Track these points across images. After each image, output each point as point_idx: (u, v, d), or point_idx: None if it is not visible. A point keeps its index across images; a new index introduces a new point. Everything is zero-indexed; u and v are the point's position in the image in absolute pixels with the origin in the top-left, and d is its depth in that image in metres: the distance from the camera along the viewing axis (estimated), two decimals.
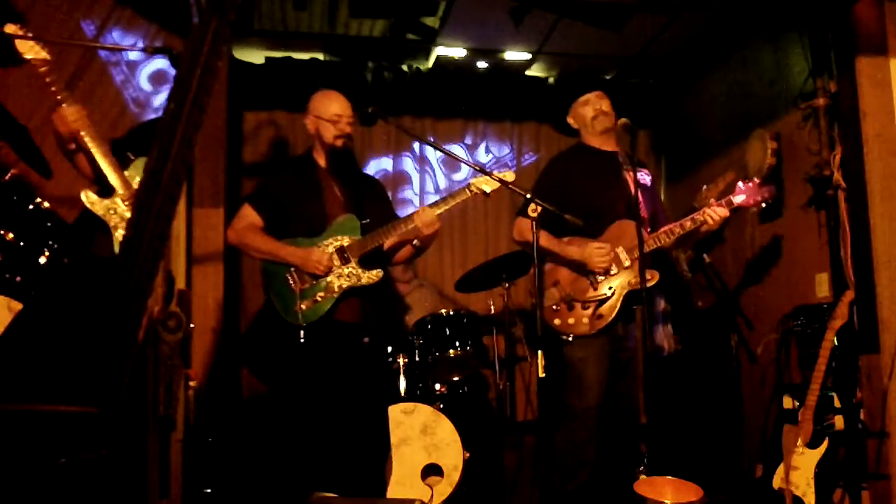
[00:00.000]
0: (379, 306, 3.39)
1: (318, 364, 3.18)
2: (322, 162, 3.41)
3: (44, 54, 2.76)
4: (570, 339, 3.37)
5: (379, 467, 3.34)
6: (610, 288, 3.37)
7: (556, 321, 3.41)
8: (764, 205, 3.51)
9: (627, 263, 3.36)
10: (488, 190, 3.26)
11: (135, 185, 2.85)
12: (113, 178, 2.82)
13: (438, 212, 3.24)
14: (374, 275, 3.24)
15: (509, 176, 3.20)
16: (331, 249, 3.23)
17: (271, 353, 3.45)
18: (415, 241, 3.34)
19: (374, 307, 3.35)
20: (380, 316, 3.41)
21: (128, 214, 2.83)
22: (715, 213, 3.33)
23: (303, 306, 3.15)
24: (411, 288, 4.80)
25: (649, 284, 3.29)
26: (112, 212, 2.83)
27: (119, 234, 2.83)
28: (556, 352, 3.41)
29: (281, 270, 3.24)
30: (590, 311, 3.36)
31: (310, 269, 3.20)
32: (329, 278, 3.21)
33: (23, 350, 2.40)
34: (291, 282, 3.20)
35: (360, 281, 3.22)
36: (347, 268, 3.22)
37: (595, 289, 3.38)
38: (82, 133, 2.79)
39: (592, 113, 3.54)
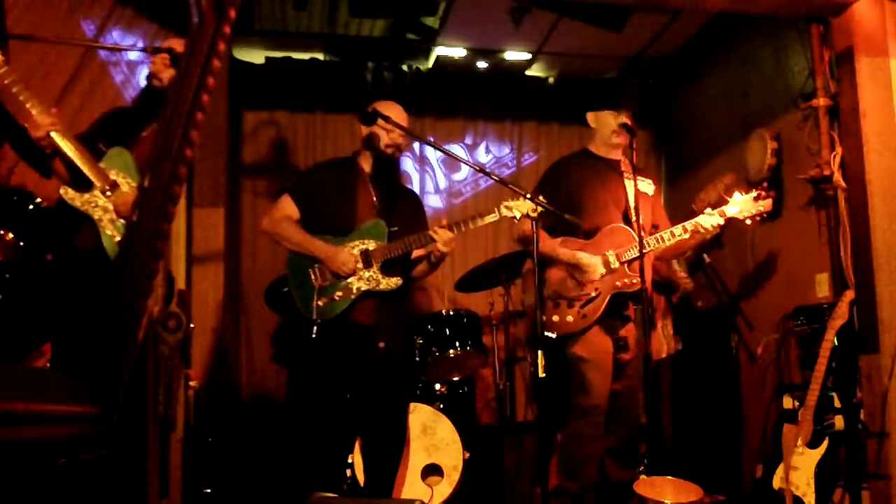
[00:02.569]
0: (397, 312, 3.36)
1: (328, 361, 3.19)
2: (367, 167, 3.41)
3: None
4: (555, 336, 3.38)
5: (391, 468, 3.33)
6: (596, 289, 3.38)
7: (542, 318, 3.42)
8: (759, 218, 3.46)
9: (615, 266, 3.37)
10: (518, 215, 3.21)
11: (111, 176, 2.81)
12: (89, 172, 2.76)
13: (455, 233, 3.24)
14: (394, 282, 3.24)
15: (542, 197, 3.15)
16: (356, 251, 3.23)
17: (288, 345, 3.45)
18: (431, 258, 3.34)
19: (393, 312, 3.32)
20: (397, 321, 3.38)
21: (110, 206, 2.80)
22: (704, 223, 3.34)
23: (319, 302, 3.15)
24: (412, 288, 4.80)
25: (633, 289, 3.31)
26: (93, 205, 2.79)
27: (105, 225, 2.81)
28: (557, 351, 3.41)
29: (305, 264, 3.24)
30: (574, 309, 3.37)
31: (334, 269, 3.20)
32: (350, 279, 3.21)
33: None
34: (313, 277, 3.20)
35: (379, 286, 3.21)
36: (368, 271, 3.22)
37: (581, 289, 3.39)
38: (55, 137, 2.70)
39: (616, 125, 3.53)
